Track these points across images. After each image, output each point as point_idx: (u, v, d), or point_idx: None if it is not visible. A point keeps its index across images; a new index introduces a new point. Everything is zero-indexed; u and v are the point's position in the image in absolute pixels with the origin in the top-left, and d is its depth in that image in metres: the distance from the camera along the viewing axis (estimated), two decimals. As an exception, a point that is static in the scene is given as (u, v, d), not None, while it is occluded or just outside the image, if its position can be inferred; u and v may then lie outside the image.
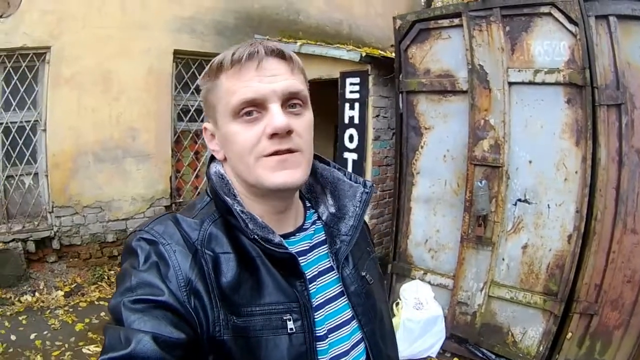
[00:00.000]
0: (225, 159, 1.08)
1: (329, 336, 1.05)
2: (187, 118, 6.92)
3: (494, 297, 4.33)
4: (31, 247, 5.90)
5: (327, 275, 1.11)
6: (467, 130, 4.48)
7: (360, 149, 5.97)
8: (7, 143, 5.90)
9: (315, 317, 1.03)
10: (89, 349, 4.62)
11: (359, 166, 5.99)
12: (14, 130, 5.87)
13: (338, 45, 6.29)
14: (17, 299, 5.66)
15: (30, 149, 6.03)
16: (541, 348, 4.16)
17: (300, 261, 1.04)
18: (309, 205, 1.21)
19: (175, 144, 6.87)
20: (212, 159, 1.14)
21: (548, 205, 4.05)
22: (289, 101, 1.00)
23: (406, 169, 5.12)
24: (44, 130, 5.99)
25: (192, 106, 6.92)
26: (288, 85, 0.99)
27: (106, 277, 6.26)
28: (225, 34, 6.73)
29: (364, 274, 1.16)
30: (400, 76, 5.03)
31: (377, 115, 5.87)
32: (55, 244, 6.08)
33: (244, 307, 0.95)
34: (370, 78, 5.76)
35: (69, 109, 6.03)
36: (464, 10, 4.31)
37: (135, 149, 6.49)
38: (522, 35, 4.03)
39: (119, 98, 6.30)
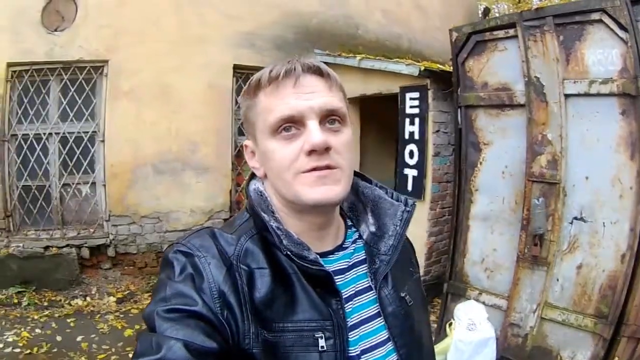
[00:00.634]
0: (265, 176, 1.12)
1: (362, 357, 1.07)
2: (249, 133, 7.18)
3: (546, 319, 4.28)
4: (85, 253, 6.35)
5: (364, 295, 1.12)
6: (525, 146, 4.49)
7: (420, 165, 6.03)
8: (65, 152, 6.40)
9: (350, 336, 1.05)
10: (136, 355, 4.90)
11: (418, 183, 6.06)
12: (71, 140, 6.37)
13: (397, 59, 6.42)
14: (67, 302, 6.06)
15: (88, 159, 6.48)
16: (588, 373, 4.08)
17: (338, 280, 1.07)
18: (351, 224, 1.23)
19: (235, 157, 7.14)
20: (252, 176, 1.19)
21: (603, 223, 3.99)
22: (327, 118, 1.03)
23: (465, 186, 5.15)
24: (103, 141, 6.44)
25: (254, 121, 7.18)
26: (326, 102, 1.02)
27: (161, 286, 6.58)
28: (285, 48, 6.98)
29: (403, 294, 1.17)
30: (459, 90, 5.08)
31: (437, 131, 5.93)
32: (111, 252, 6.49)
33: (276, 322, 0.98)
34: (430, 93, 5.84)
35: (128, 121, 6.45)
36: (518, 20, 4.35)
37: (194, 162, 6.82)
38: (575, 45, 4.02)
39: (178, 112, 6.66)
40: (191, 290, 0.95)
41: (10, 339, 5.04)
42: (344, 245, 1.16)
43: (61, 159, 6.42)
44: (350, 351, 1.04)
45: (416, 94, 6.00)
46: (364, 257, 1.17)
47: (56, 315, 5.72)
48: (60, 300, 6.11)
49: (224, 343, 0.92)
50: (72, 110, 6.36)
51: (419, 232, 6.05)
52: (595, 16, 3.87)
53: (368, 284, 1.13)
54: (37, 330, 5.29)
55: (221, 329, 0.93)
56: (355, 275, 1.13)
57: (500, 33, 4.59)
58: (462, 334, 4.58)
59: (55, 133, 6.39)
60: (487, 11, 6.16)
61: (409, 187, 6.19)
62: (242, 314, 0.96)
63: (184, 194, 6.82)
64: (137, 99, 6.47)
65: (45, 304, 6.03)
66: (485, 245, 4.95)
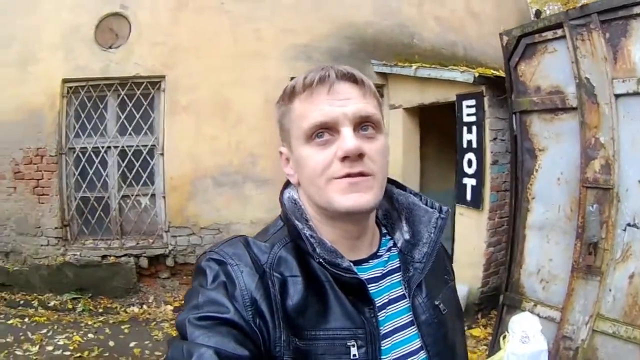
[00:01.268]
0: (299, 183, 1.12)
1: None
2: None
3: (597, 331, 4.07)
4: (144, 262, 6.64)
5: (398, 303, 1.13)
6: (579, 150, 4.32)
7: (479, 174, 5.95)
8: (124, 165, 6.73)
9: (382, 345, 1.05)
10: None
11: (477, 192, 5.96)
12: (130, 154, 6.69)
13: (452, 67, 6.34)
14: (123, 309, 6.35)
15: (147, 172, 6.79)
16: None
17: (371, 288, 1.07)
18: (385, 231, 1.24)
19: (294, 170, 7.24)
20: (287, 184, 1.20)
21: (657, 230, 3.78)
22: (361, 125, 1.03)
23: (521, 195, 5.00)
24: (162, 154, 6.73)
25: (314, 133, 7.31)
26: (360, 109, 1.03)
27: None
28: (341, 60, 7.00)
29: (437, 303, 1.17)
30: (512, 95, 4.97)
31: (495, 138, 5.82)
32: (170, 262, 6.73)
33: (308, 330, 0.99)
34: (486, 99, 5.76)
35: (187, 135, 6.71)
36: (564, 19, 4.21)
37: (255, 174, 6.97)
38: (621, 42, 3.85)
39: (237, 126, 6.84)
40: (223, 297, 0.96)
41: (61, 342, 5.33)
42: (378, 253, 1.17)
43: (120, 172, 6.79)
44: (383, 359, 1.04)
45: (472, 102, 5.93)
46: (399, 265, 1.18)
47: (111, 321, 6.00)
48: (116, 307, 6.41)
49: (256, 350, 0.93)
50: (130, 124, 6.71)
51: (478, 242, 5.95)
52: (637, 10, 3.69)
53: (402, 292, 1.14)
54: (90, 335, 5.57)
55: (253, 336, 0.94)
56: (389, 283, 1.14)
57: (549, 34, 4.46)
58: (515, 347, 4.39)
59: (114, 146, 6.76)
60: (538, 14, 5.95)
61: (468, 197, 6.09)
62: (273, 321, 0.97)
63: (245, 206, 6.98)
64: (195, 113, 6.73)
65: (100, 310, 6.36)
66: (541, 255, 4.78)
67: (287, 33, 6.93)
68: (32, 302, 6.59)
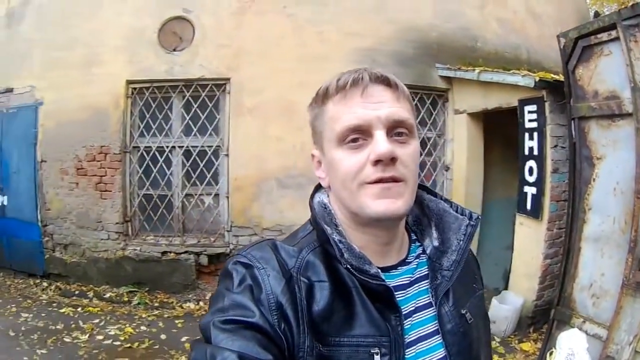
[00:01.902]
0: (329, 187, 1.12)
1: None
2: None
3: (639, 352, 3.79)
4: (204, 260, 6.79)
5: (425, 312, 1.11)
6: (635, 159, 4.05)
7: (539, 183, 5.72)
8: (188, 165, 6.92)
9: (406, 353, 1.04)
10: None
11: (537, 201, 5.73)
12: (194, 154, 6.87)
13: (514, 71, 6.11)
14: (179, 304, 6.51)
15: (212, 172, 6.94)
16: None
17: (398, 295, 1.06)
18: (415, 238, 1.22)
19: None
20: (317, 189, 1.20)
21: None
22: (394, 129, 1.02)
23: (579, 205, 4.79)
24: (227, 155, 6.86)
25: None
26: (393, 113, 1.01)
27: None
28: (406, 63, 6.93)
29: (464, 312, 1.14)
30: (571, 101, 4.75)
31: (555, 146, 5.56)
32: (230, 260, 6.88)
33: (332, 336, 0.98)
34: (547, 105, 5.52)
35: (252, 136, 6.81)
36: (617, 19, 3.99)
37: (320, 177, 6.98)
38: (672, 43, 3.58)
39: (302, 128, 6.85)
40: (249, 301, 0.96)
41: (112, 333, 5.53)
42: (407, 260, 1.16)
43: (184, 171, 6.98)
44: None
45: (534, 107, 5.71)
46: (427, 272, 1.16)
47: (165, 315, 6.17)
48: (172, 302, 6.59)
49: (280, 355, 0.93)
50: (195, 125, 6.89)
51: (536, 253, 5.72)
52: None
53: (429, 300, 1.13)
54: (142, 327, 5.74)
55: (277, 340, 0.94)
56: (417, 291, 1.13)
57: (604, 36, 4.25)
58: (560, 364, 4.22)
59: (179, 146, 6.96)
60: (597, 15, 5.63)
61: (528, 206, 5.87)
62: (298, 326, 0.97)
63: (308, 209, 6.98)
64: (261, 116, 6.82)
65: (156, 304, 6.55)
66: (595, 269, 4.56)
67: (351, 36, 6.90)
68: (88, 293, 6.89)
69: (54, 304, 6.52)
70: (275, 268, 1.01)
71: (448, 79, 7.11)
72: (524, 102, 5.84)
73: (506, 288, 6.26)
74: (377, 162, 0.98)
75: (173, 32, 6.82)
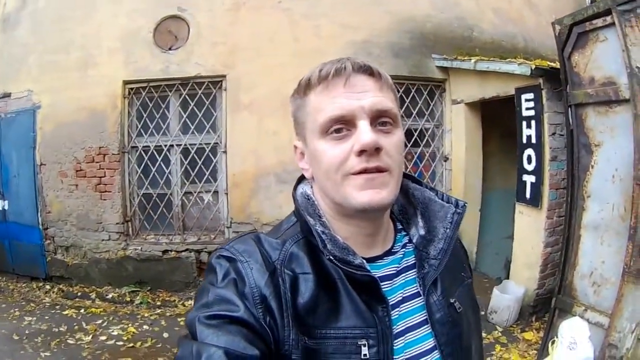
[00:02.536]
0: (313, 178, 1.11)
1: None
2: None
3: (641, 340, 3.76)
4: (205, 257, 6.78)
5: (412, 301, 1.10)
6: (633, 145, 4.00)
7: (538, 171, 5.68)
8: (186, 163, 6.92)
9: (395, 344, 1.02)
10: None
11: (536, 189, 5.70)
12: (192, 152, 6.87)
13: (510, 59, 6.06)
14: (181, 302, 6.50)
15: (210, 169, 6.92)
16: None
17: (385, 286, 1.05)
18: (401, 227, 1.21)
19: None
20: (300, 180, 1.19)
21: None
22: (378, 119, 1.01)
23: (577, 192, 4.75)
24: (225, 152, 6.86)
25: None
26: (376, 102, 1.00)
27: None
28: (402, 55, 6.89)
29: (452, 300, 1.13)
30: (567, 88, 4.69)
31: (553, 133, 5.51)
32: (231, 257, 6.87)
33: (318, 329, 0.97)
34: (544, 92, 5.48)
35: (249, 132, 6.79)
36: (612, 5, 3.93)
37: (318, 171, 6.97)
38: (667, 28, 3.53)
39: (298, 122, 6.86)
40: (233, 295, 0.95)
41: (115, 333, 5.53)
42: (393, 250, 1.14)
43: (183, 169, 6.97)
44: (395, 359, 1.02)
45: (531, 95, 5.67)
46: (414, 261, 1.15)
47: (167, 314, 6.17)
48: (174, 300, 6.60)
49: (266, 349, 0.92)
50: (192, 122, 6.88)
51: (536, 242, 5.68)
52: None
53: (417, 290, 1.11)
54: (145, 327, 5.74)
55: (263, 334, 0.93)
56: (403, 281, 1.11)
57: (599, 22, 4.19)
58: (562, 354, 4.19)
59: (177, 145, 6.95)
60: (593, 1, 5.54)
61: (527, 194, 5.83)
62: (282, 319, 0.96)
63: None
64: (257, 112, 6.80)
65: (158, 303, 6.56)
66: (595, 257, 4.52)
67: (347, 29, 6.86)
68: (90, 294, 6.90)
69: (57, 307, 6.52)
70: (258, 261, 1.00)
71: (445, 69, 7.06)
72: (520, 91, 5.79)
73: (507, 277, 6.23)
74: (361, 152, 0.97)
75: (168, 31, 6.80)
